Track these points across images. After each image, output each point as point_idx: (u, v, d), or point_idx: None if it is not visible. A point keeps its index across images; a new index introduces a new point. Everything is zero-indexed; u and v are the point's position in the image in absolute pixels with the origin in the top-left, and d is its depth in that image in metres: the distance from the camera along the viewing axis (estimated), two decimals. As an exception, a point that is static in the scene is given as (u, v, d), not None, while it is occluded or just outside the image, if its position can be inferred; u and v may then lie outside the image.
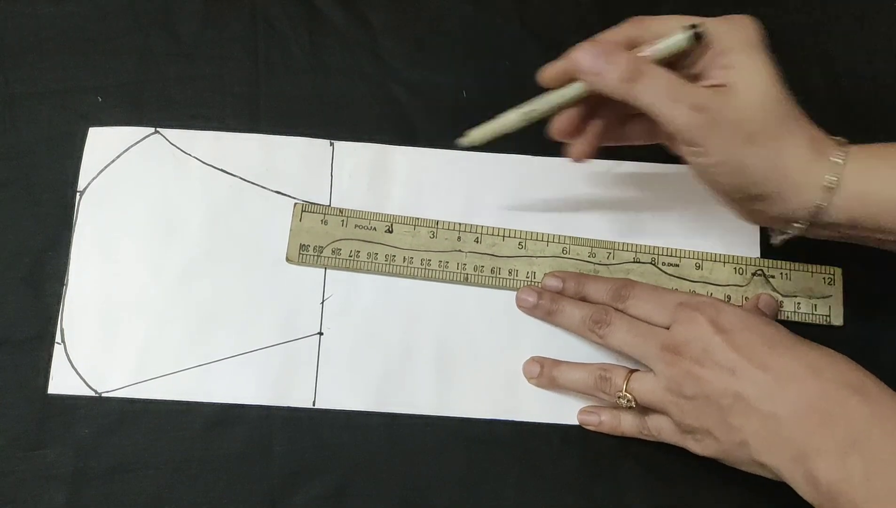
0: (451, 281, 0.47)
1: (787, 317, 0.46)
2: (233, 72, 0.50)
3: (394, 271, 0.46)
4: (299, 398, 0.45)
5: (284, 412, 0.45)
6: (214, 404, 0.45)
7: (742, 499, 0.43)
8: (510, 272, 0.47)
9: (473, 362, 0.46)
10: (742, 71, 0.37)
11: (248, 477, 0.44)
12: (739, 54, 0.38)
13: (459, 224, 0.47)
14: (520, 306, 0.46)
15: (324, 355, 0.46)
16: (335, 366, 0.45)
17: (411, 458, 0.44)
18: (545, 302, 0.45)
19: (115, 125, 0.48)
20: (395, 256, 0.47)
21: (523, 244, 0.47)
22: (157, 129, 0.48)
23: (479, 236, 0.47)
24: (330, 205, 0.48)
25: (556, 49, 0.50)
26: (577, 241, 0.47)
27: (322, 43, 0.51)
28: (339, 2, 0.51)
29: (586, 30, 0.51)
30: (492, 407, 0.45)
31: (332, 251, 0.47)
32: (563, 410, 0.45)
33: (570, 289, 0.45)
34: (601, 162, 0.49)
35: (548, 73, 0.41)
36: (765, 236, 0.48)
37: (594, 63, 0.39)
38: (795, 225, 0.39)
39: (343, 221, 0.47)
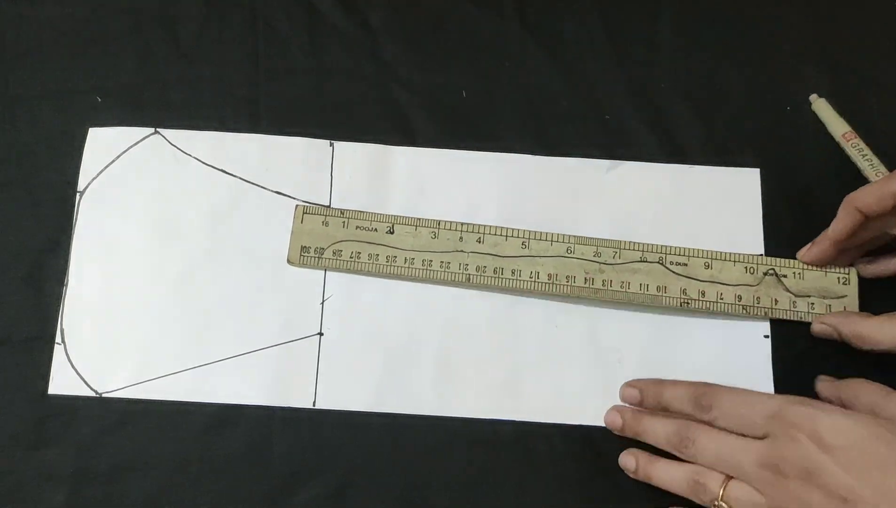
0: (453, 282, 0.46)
1: (801, 318, 0.45)
2: (233, 72, 0.50)
3: (395, 273, 0.46)
4: (299, 399, 0.45)
5: (285, 412, 0.45)
6: (215, 404, 0.44)
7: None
8: (513, 273, 0.46)
9: (474, 361, 0.46)
10: None
11: (249, 477, 0.44)
12: None
13: (461, 224, 0.47)
14: (609, 428, 0.44)
15: (324, 355, 0.46)
16: (335, 366, 0.45)
17: (411, 458, 0.44)
18: (630, 423, 0.43)
19: (115, 126, 0.48)
20: (396, 257, 0.46)
21: (526, 244, 0.47)
22: (157, 129, 0.48)
23: (481, 236, 0.47)
24: (330, 206, 0.48)
25: (557, 49, 0.51)
26: (581, 240, 0.47)
27: (322, 43, 0.51)
28: (339, 2, 0.51)
29: (586, 30, 0.52)
30: (493, 407, 0.45)
31: (334, 253, 0.46)
32: (563, 410, 0.45)
33: (649, 398, 0.43)
34: (601, 162, 0.49)
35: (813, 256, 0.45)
36: (767, 235, 0.48)
37: None
38: None
39: (344, 222, 0.47)
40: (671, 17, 0.52)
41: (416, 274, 0.46)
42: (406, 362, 0.45)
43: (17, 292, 0.46)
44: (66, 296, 0.46)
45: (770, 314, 0.45)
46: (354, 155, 0.49)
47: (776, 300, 0.45)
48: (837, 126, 0.49)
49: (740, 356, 0.46)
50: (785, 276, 0.46)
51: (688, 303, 0.45)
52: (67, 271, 0.46)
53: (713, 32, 0.52)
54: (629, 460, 0.43)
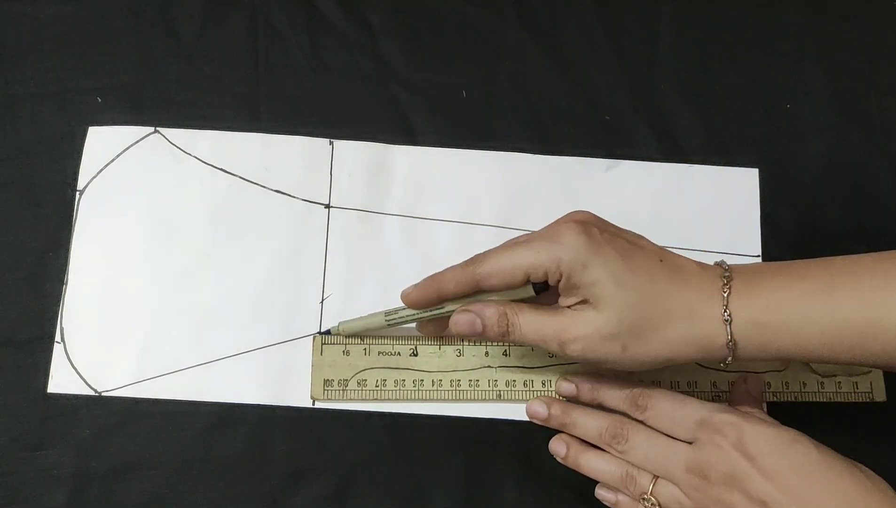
0: (484, 400, 0.45)
1: (830, 398, 0.45)
2: (233, 72, 0.50)
3: (424, 397, 0.45)
4: (300, 398, 0.45)
5: (285, 411, 0.45)
6: (215, 403, 0.44)
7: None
8: (544, 384, 0.45)
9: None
10: (591, 285, 0.38)
11: (249, 477, 0.44)
12: (583, 272, 0.38)
13: None
14: (532, 419, 0.44)
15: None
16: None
17: (411, 458, 0.44)
18: (557, 414, 0.44)
19: (115, 125, 0.48)
20: (423, 380, 0.45)
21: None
22: (157, 128, 0.48)
23: (507, 348, 0.46)
24: (330, 204, 0.47)
25: (557, 49, 0.51)
26: None
27: (322, 43, 0.51)
28: (339, 2, 0.51)
29: (586, 30, 0.52)
30: (492, 407, 0.45)
31: (358, 383, 0.45)
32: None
33: (584, 394, 0.44)
34: (600, 161, 0.49)
35: (414, 298, 0.41)
36: (765, 234, 0.48)
37: (472, 327, 0.40)
38: (723, 363, 0.39)
39: (366, 349, 0.45)
40: (671, 17, 0.52)
41: (446, 395, 0.45)
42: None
43: (18, 293, 0.46)
44: (66, 295, 0.46)
45: (800, 398, 0.45)
46: (354, 154, 0.49)
47: (804, 384, 0.45)
48: (375, 320, 0.44)
49: None
50: None
51: (720, 396, 0.45)
52: (67, 270, 0.46)
53: (713, 32, 0.52)
54: (560, 446, 0.44)
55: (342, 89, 0.50)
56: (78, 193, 0.47)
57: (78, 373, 0.45)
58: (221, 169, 0.48)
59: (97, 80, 0.49)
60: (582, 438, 0.43)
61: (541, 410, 0.44)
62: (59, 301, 0.46)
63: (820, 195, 0.49)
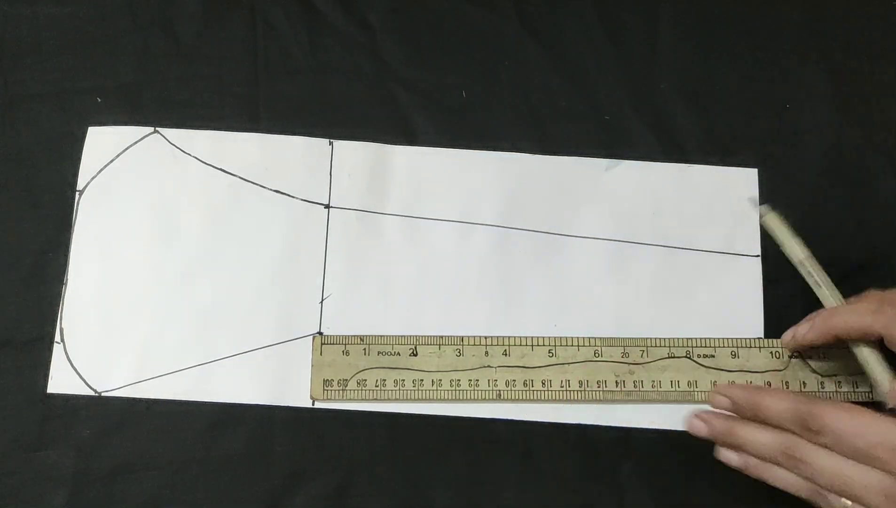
0: (484, 400, 0.45)
1: (830, 398, 0.45)
2: (232, 72, 0.50)
3: (424, 397, 0.45)
4: (299, 398, 0.45)
5: (285, 412, 0.45)
6: (215, 404, 0.45)
7: (741, 499, 0.44)
8: (543, 384, 0.45)
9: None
10: None
11: (249, 477, 0.44)
12: None
13: (486, 338, 0.46)
14: (692, 434, 0.42)
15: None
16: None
17: (411, 458, 0.44)
18: (722, 431, 0.40)
19: (115, 125, 0.48)
20: (423, 380, 0.45)
21: (553, 352, 0.46)
22: (157, 128, 0.48)
23: (507, 348, 0.46)
24: (330, 205, 0.47)
25: (556, 48, 0.51)
26: (607, 342, 0.45)
27: (322, 43, 0.51)
28: (339, 2, 0.51)
29: (586, 30, 0.51)
30: (492, 407, 0.45)
31: (358, 383, 0.45)
32: (563, 410, 0.45)
33: (743, 410, 0.40)
34: (600, 161, 0.49)
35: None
36: (764, 234, 0.48)
37: None
38: None
39: (365, 349, 0.45)
40: (671, 17, 0.52)
41: (446, 395, 0.45)
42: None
43: (17, 293, 0.46)
44: (66, 295, 0.46)
45: None
46: (354, 154, 0.49)
47: (804, 384, 0.45)
48: (795, 250, 0.45)
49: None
50: (810, 357, 0.46)
51: None
52: (67, 270, 0.46)
53: (713, 32, 0.52)
54: (731, 456, 0.41)
55: (342, 89, 0.50)
56: (77, 193, 0.47)
57: (78, 373, 0.45)
58: (221, 169, 0.48)
59: (97, 80, 0.49)
60: (752, 454, 0.40)
61: (701, 427, 0.41)
62: (58, 301, 0.46)
63: (820, 195, 0.49)
